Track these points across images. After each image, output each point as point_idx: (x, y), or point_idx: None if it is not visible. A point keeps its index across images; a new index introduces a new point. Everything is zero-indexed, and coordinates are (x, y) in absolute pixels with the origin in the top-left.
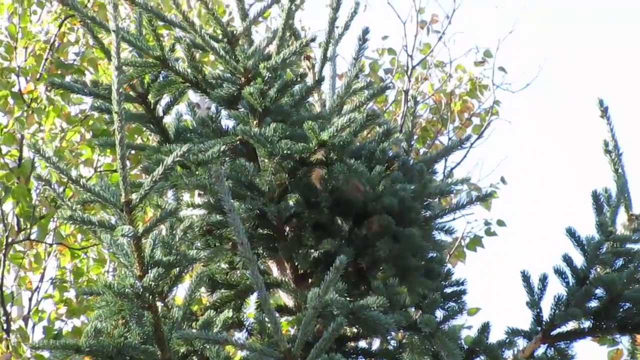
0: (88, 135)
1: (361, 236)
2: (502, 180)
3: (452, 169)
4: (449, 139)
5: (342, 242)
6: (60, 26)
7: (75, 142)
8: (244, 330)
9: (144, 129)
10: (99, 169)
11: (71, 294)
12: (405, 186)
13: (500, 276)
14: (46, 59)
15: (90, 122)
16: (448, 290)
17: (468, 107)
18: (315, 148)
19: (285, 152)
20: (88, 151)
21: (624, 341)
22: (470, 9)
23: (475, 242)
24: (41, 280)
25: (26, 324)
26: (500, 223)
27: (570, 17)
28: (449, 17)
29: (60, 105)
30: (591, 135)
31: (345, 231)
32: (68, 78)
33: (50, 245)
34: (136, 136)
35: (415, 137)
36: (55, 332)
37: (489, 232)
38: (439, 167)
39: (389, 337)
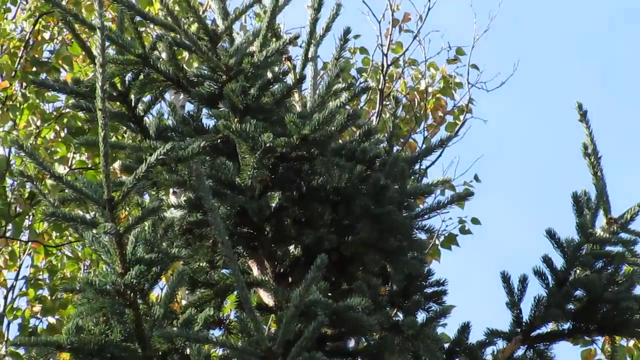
0: (63, 133)
1: (342, 224)
2: (476, 178)
3: (427, 167)
4: (424, 137)
5: (324, 232)
6: (34, 24)
7: (50, 139)
8: (224, 329)
9: (120, 128)
10: (73, 167)
11: (46, 292)
12: (388, 183)
13: (475, 275)
14: (21, 57)
15: (65, 120)
16: (429, 290)
17: (441, 105)
18: (297, 142)
19: (267, 145)
20: (63, 149)
21: (600, 342)
22: (445, 8)
23: (450, 240)
24: (16, 278)
25: (1, 322)
26: (475, 221)
27: (546, 16)
28: (424, 16)
29: (35, 103)
30: (567, 135)
31: (326, 222)
32: (43, 76)
33: (25, 242)
34: (111, 134)
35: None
36: (31, 330)
37: (463, 230)
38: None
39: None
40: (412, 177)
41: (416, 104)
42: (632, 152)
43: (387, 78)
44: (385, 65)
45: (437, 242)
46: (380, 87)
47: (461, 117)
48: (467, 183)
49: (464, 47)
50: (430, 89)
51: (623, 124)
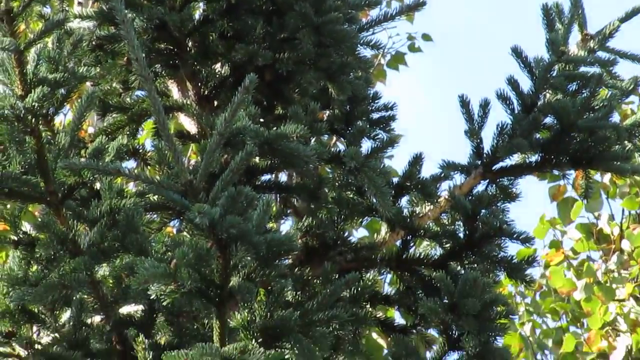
0: None
1: (277, 38)
2: None
3: None
4: None
5: (256, 47)
6: None
7: None
8: (139, 160)
9: None
10: None
11: None
12: None
13: (426, 100)
14: None
15: None
16: (375, 115)
17: None
18: None
19: None
20: None
21: (571, 177)
22: None
23: (398, 60)
24: None
25: None
26: (427, 38)
27: None
28: None
29: None
30: None
31: (258, 36)
32: None
33: None
34: None
35: None
36: None
37: (412, 48)
38: None
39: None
40: None
41: None
42: None
43: None
44: None
45: (382, 61)
46: None
47: None
48: None
49: None
50: None
51: None
